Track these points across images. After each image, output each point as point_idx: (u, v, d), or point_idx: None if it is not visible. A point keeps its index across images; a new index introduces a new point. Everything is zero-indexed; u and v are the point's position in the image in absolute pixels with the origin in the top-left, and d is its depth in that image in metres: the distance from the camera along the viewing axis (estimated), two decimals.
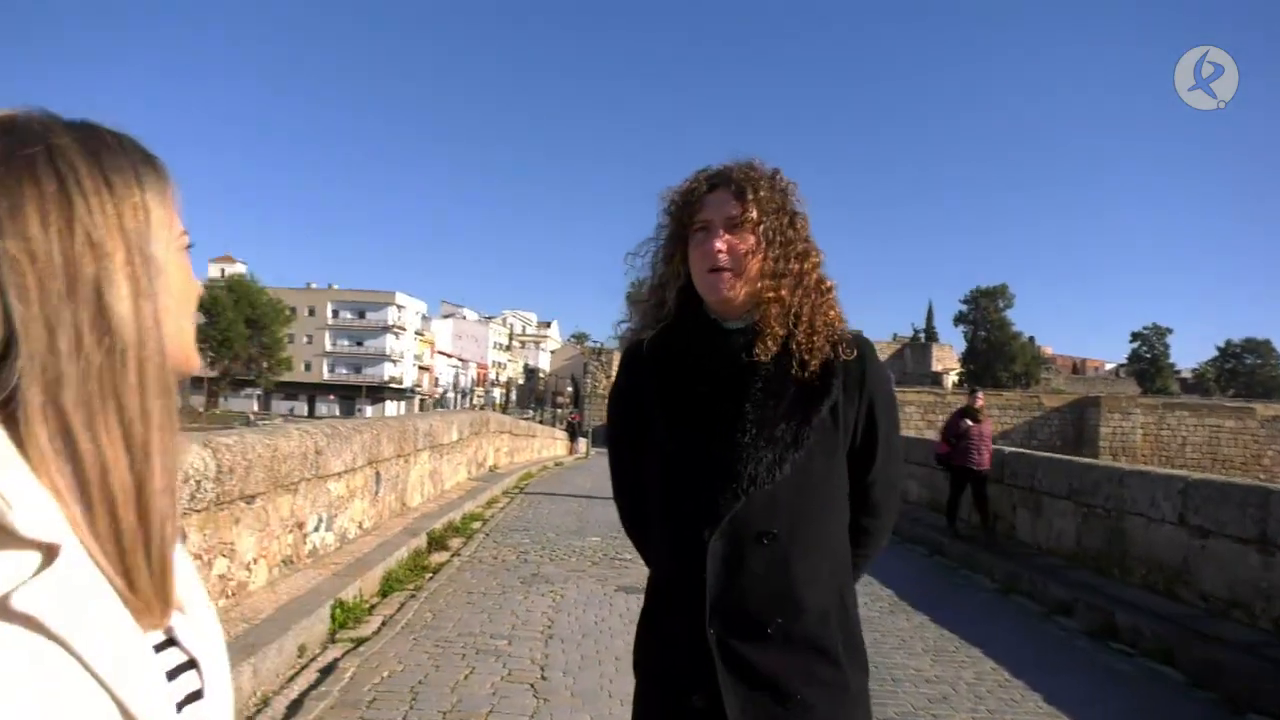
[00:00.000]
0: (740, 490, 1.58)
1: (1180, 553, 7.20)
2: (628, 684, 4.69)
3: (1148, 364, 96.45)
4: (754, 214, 1.65)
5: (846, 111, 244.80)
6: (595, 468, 26.16)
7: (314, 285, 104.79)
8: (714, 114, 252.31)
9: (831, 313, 1.70)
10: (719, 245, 1.64)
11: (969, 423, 10.36)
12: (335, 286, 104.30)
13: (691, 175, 1.75)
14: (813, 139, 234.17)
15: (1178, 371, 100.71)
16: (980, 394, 11.27)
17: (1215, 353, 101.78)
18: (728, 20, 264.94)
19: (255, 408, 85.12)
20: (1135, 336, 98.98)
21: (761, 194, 1.67)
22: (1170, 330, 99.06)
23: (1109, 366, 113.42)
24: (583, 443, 41.67)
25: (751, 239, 1.65)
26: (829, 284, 1.73)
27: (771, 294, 1.65)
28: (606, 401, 1.91)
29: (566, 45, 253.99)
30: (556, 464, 26.16)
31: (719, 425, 1.62)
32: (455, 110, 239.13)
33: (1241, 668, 5.43)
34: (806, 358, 1.64)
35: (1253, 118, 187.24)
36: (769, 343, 1.64)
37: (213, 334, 78.86)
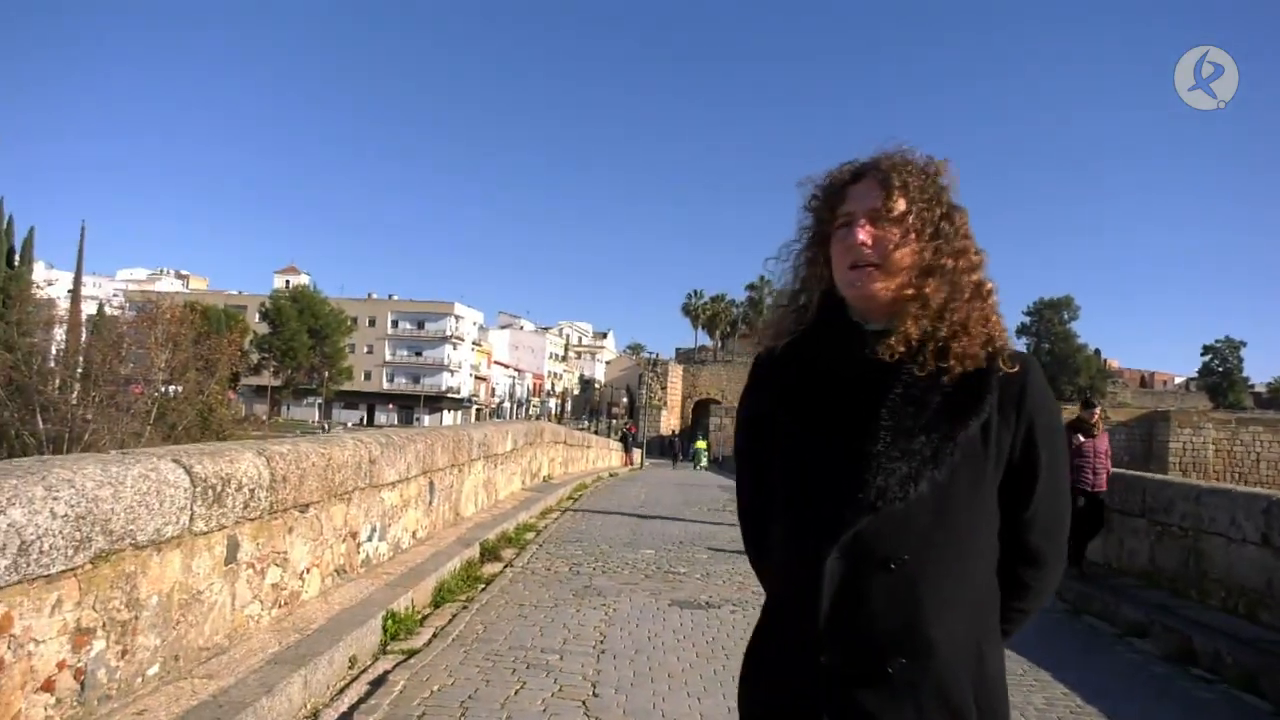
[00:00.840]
0: (867, 504, 1.41)
1: (1264, 575, 6.84)
2: (680, 703, 4.61)
3: (1220, 378, 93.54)
4: (901, 204, 1.50)
5: (903, 122, 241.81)
6: (650, 479, 26.11)
7: (374, 296, 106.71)
8: (778, 126, 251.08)
9: (992, 319, 1.53)
10: (862, 237, 1.50)
11: (1080, 438, 9.20)
12: (395, 297, 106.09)
13: (836, 167, 1.61)
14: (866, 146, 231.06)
15: (1251, 385, 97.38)
16: (1098, 407, 9.84)
17: None
18: (793, 31, 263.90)
19: (317, 416, 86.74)
20: (1207, 350, 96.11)
21: (911, 182, 1.51)
22: (1244, 343, 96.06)
23: (1179, 380, 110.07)
24: (637, 453, 41.69)
25: (898, 231, 1.49)
26: (989, 286, 1.56)
27: (911, 291, 1.49)
28: (736, 414, 1.77)
29: (636, 58, 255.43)
30: (611, 475, 26.09)
31: (852, 433, 1.46)
32: (514, 123, 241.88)
33: None
34: (954, 364, 1.47)
35: None
36: (897, 342, 1.48)
37: (277, 343, 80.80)
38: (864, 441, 1.44)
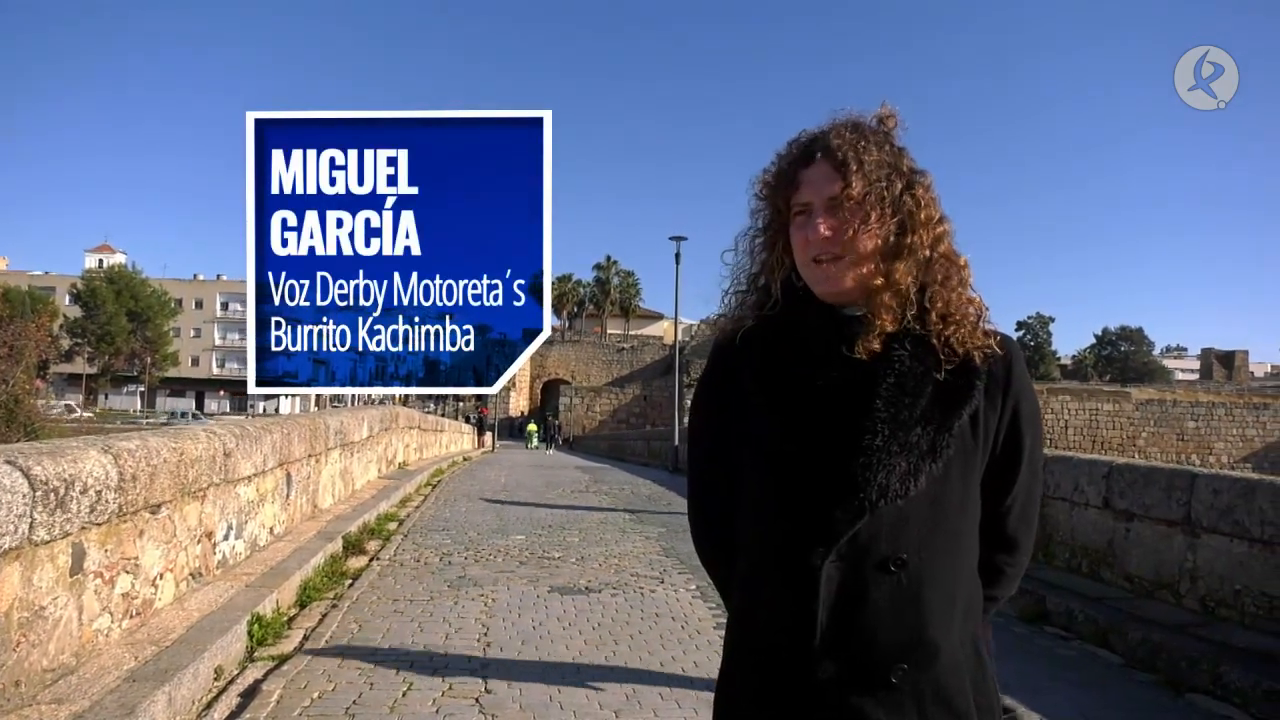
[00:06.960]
0: (867, 503, 1.32)
1: (1105, 536, 7.32)
2: (578, 696, 4.47)
3: (1032, 351, 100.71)
4: (859, 186, 1.37)
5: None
6: (506, 461, 25.85)
7: (201, 277, 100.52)
8: (632, 104, 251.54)
9: (975, 300, 1.45)
10: (822, 231, 1.38)
11: None
12: (224, 277, 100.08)
13: (784, 146, 1.47)
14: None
15: (1059, 358, 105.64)
16: None
17: (1093, 340, 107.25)
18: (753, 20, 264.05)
19: (140, 405, 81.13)
20: (1020, 325, 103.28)
21: (867, 158, 1.39)
22: (1053, 319, 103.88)
23: None
24: (489, 436, 41.31)
25: (858, 216, 1.38)
26: (962, 260, 1.46)
27: (880, 280, 1.39)
28: (692, 402, 1.62)
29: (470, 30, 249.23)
30: (465, 459, 25.63)
31: (840, 425, 1.35)
32: (342, 86, 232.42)
33: (1178, 649, 5.50)
34: (940, 350, 1.39)
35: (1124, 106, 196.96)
36: (874, 338, 1.38)
37: (91, 328, 75.08)
38: (859, 436, 1.35)
